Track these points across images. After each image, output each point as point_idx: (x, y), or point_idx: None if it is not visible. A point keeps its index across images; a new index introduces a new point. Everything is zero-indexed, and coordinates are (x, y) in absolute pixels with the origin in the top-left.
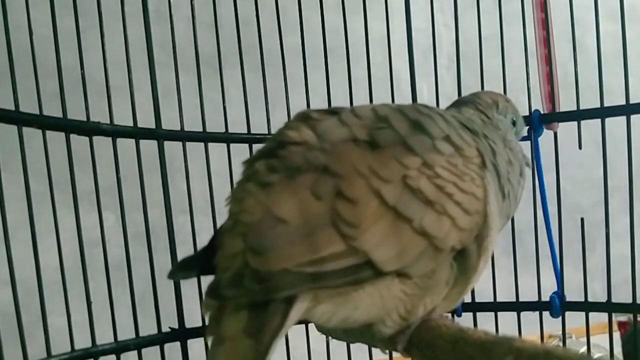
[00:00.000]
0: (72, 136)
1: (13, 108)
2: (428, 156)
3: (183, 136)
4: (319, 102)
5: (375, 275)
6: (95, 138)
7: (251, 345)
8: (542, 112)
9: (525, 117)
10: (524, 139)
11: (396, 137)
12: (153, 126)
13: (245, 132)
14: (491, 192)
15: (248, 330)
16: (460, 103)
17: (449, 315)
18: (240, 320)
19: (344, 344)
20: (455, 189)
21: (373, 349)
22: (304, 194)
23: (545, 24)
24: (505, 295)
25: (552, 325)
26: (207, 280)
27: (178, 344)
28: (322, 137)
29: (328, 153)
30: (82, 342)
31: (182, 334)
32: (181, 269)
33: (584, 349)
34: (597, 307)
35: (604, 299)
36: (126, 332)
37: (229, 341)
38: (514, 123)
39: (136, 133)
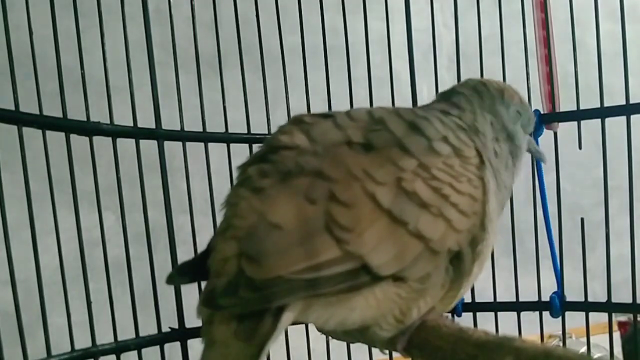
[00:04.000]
0: (72, 136)
1: (13, 108)
2: (424, 157)
3: (183, 136)
4: (319, 102)
5: (371, 280)
6: (95, 138)
7: (243, 348)
8: (542, 112)
9: (533, 115)
10: None
11: (392, 138)
12: (153, 126)
13: (245, 132)
14: (491, 192)
15: (239, 334)
16: (460, 85)
17: (449, 315)
18: (232, 323)
19: (344, 344)
20: (451, 191)
21: (373, 349)
22: (298, 199)
23: (545, 24)
24: (505, 295)
25: (552, 325)
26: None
27: (178, 344)
28: (316, 141)
29: (321, 157)
30: (82, 342)
31: (182, 334)
32: (179, 274)
33: (584, 349)
34: (597, 307)
35: (604, 299)
36: (126, 332)
37: (221, 345)
38: (518, 116)
39: (136, 133)
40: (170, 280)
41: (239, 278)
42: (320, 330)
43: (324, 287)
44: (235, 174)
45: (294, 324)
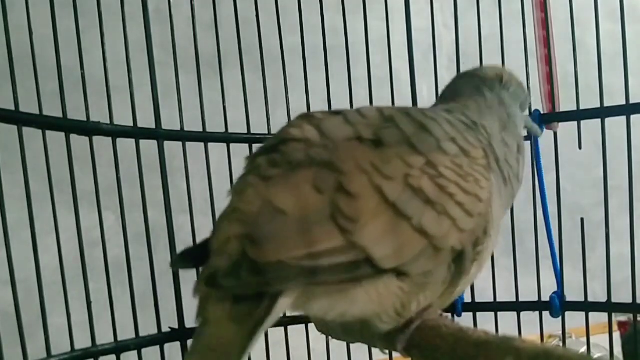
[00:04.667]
0: (72, 136)
1: (13, 108)
2: (432, 156)
3: (183, 136)
4: (319, 102)
5: (373, 273)
6: (95, 138)
7: (235, 331)
8: (542, 112)
9: (528, 94)
10: (524, 139)
11: (401, 136)
12: (153, 126)
13: (245, 132)
14: (495, 195)
15: (233, 316)
16: (460, 81)
17: (449, 315)
18: (227, 305)
19: (344, 344)
20: (457, 190)
21: (373, 349)
22: (305, 187)
23: (545, 24)
24: (505, 295)
25: (552, 325)
26: None
27: (178, 344)
28: (326, 135)
29: (331, 150)
30: (82, 342)
31: (182, 334)
32: (182, 260)
33: (584, 349)
34: (597, 307)
35: (604, 299)
36: (126, 332)
37: (214, 325)
38: (517, 98)
39: (136, 133)
40: (173, 264)
41: (242, 260)
42: (320, 329)
43: (324, 276)
44: (236, 174)
45: (294, 323)
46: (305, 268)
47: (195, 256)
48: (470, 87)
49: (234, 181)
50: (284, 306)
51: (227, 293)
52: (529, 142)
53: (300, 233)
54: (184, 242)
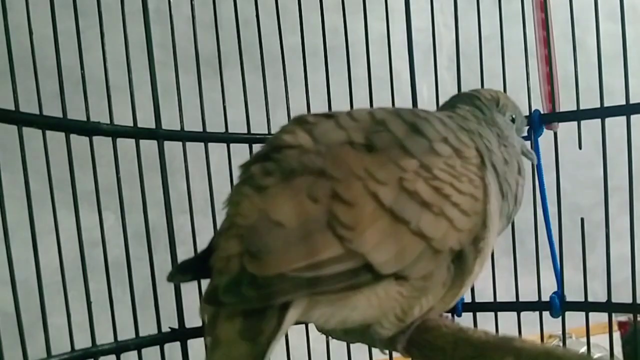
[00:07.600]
0: (72, 136)
1: (13, 108)
2: (425, 158)
3: (183, 136)
4: (319, 102)
5: (373, 279)
6: (95, 138)
7: (247, 348)
8: (542, 112)
9: (525, 117)
10: (524, 139)
11: (393, 139)
12: (153, 126)
13: (245, 132)
14: (492, 192)
15: (244, 334)
16: (457, 98)
17: (449, 315)
18: (236, 323)
19: (344, 344)
20: (453, 191)
21: (373, 349)
22: (300, 197)
23: (545, 24)
24: (505, 295)
25: (552, 325)
26: (207, 281)
27: (178, 344)
28: (319, 140)
29: (324, 156)
30: (82, 342)
31: (182, 334)
32: (180, 272)
33: (584, 349)
34: (597, 307)
35: (604, 299)
36: (126, 332)
37: (225, 344)
38: (513, 121)
39: (136, 133)
40: (170, 278)
41: (242, 275)
42: (320, 329)
43: (325, 285)
44: (236, 174)
45: (294, 323)
46: (306, 279)
47: (193, 268)
48: (467, 104)
49: (232, 184)
50: (293, 318)
51: (234, 311)
52: (529, 141)
53: (298, 244)
54: (184, 242)
